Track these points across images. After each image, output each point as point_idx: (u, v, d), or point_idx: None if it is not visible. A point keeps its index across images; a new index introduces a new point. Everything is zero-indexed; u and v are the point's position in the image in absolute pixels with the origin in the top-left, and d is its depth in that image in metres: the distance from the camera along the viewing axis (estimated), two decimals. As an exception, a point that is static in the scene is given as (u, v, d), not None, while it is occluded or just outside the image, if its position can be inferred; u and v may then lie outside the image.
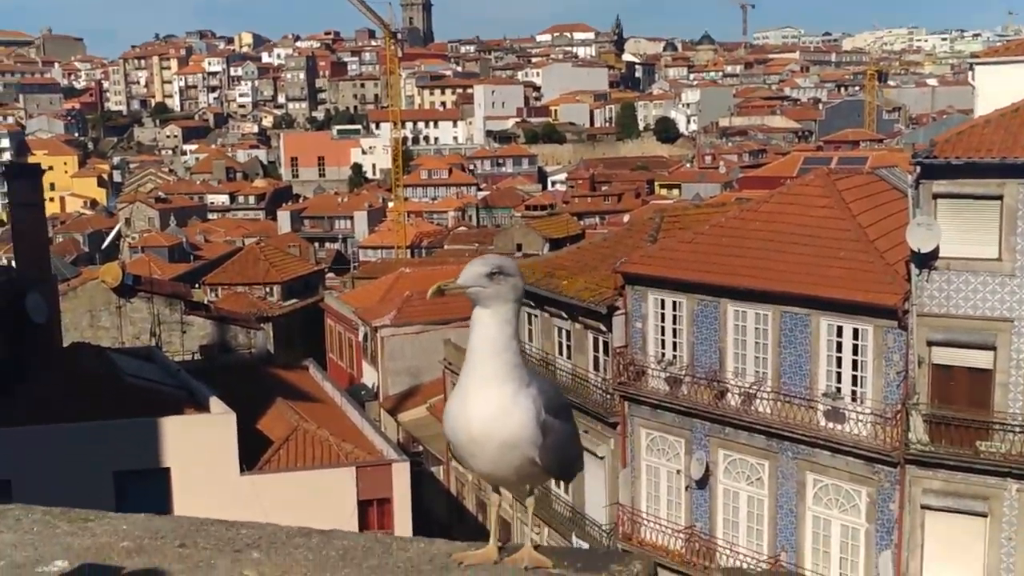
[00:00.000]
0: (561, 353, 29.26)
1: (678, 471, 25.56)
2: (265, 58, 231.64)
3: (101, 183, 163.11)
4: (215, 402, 26.47)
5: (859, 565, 22.33)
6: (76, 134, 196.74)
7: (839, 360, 22.44)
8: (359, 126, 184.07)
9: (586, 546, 26.43)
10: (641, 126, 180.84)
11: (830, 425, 22.49)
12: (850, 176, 28.70)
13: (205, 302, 52.49)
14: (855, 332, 22.11)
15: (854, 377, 22.27)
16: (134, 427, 24.69)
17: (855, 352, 22.19)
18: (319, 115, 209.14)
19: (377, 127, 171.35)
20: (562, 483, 3.65)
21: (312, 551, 3.00)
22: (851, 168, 40.29)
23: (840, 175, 28.45)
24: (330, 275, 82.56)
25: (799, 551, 23.21)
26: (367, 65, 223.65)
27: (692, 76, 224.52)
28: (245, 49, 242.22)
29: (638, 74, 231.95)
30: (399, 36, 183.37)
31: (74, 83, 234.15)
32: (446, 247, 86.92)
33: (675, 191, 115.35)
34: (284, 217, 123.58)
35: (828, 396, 22.48)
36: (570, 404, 3.25)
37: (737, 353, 24.19)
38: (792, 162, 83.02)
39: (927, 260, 21.01)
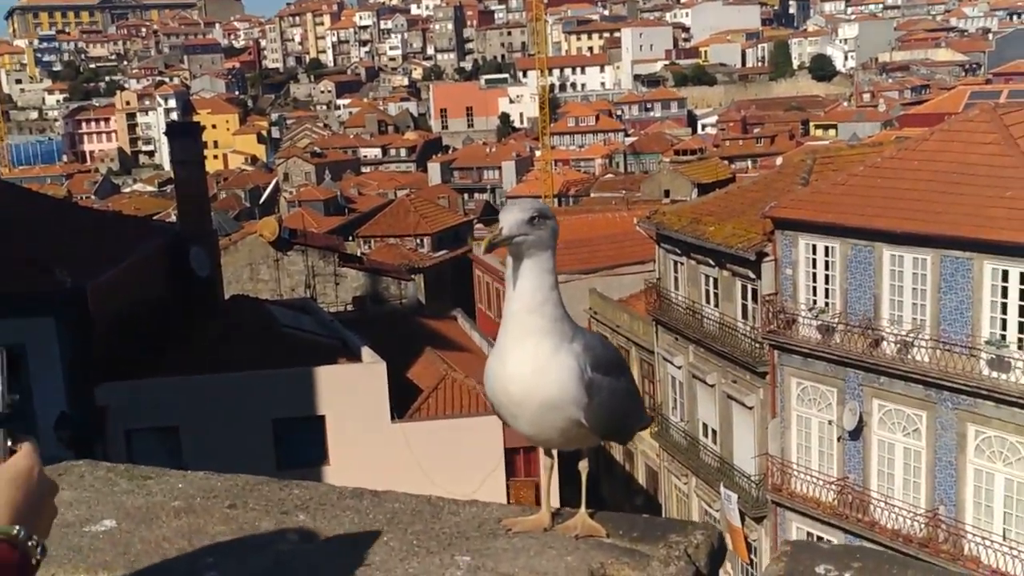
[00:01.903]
0: (708, 301, 28.74)
1: (830, 421, 24.85)
2: (414, 10, 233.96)
3: (260, 140, 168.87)
4: (367, 352, 27.22)
5: (1025, 521, 21.31)
6: (236, 92, 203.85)
7: (1004, 306, 21.25)
8: (506, 75, 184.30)
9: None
10: (795, 64, 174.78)
11: (994, 374, 21.37)
12: (1020, 110, 26.92)
13: (358, 254, 53.87)
14: (1022, 276, 20.87)
15: (1020, 324, 21.06)
16: (290, 376, 25.66)
17: (1022, 297, 20.96)
18: (467, 65, 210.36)
19: (524, 75, 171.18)
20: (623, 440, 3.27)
21: (360, 514, 2.94)
22: (1022, 102, 37.82)
23: (1009, 109, 26.74)
24: (479, 226, 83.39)
25: (959, 505, 22.28)
26: (514, 12, 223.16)
27: (850, 10, 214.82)
28: (395, 1, 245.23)
29: (792, 10, 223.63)
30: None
31: (233, 43, 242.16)
32: (593, 195, 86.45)
33: (831, 131, 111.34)
34: (434, 169, 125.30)
35: (992, 344, 21.34)
36: (623, 361, 2.99)
37: (893, 300, 23.21)
38: (957, 97, 78.90)
39: (1103, 199, 19.59)
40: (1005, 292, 21.20)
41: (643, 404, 3.10)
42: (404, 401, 27.44)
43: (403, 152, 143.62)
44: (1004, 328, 21.29)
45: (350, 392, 25.81)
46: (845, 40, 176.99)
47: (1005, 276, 21.14)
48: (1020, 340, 21.12)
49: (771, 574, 2.54)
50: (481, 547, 2.69)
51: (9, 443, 1.72)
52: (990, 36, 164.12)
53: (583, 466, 2.92)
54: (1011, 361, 21.06)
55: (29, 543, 1.66)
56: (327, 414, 25.88)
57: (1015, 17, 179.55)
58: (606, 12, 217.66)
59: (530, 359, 2.62)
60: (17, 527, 1.65)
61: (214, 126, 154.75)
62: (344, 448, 25.58)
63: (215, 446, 24.49)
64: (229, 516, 2.94)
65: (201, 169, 33.04)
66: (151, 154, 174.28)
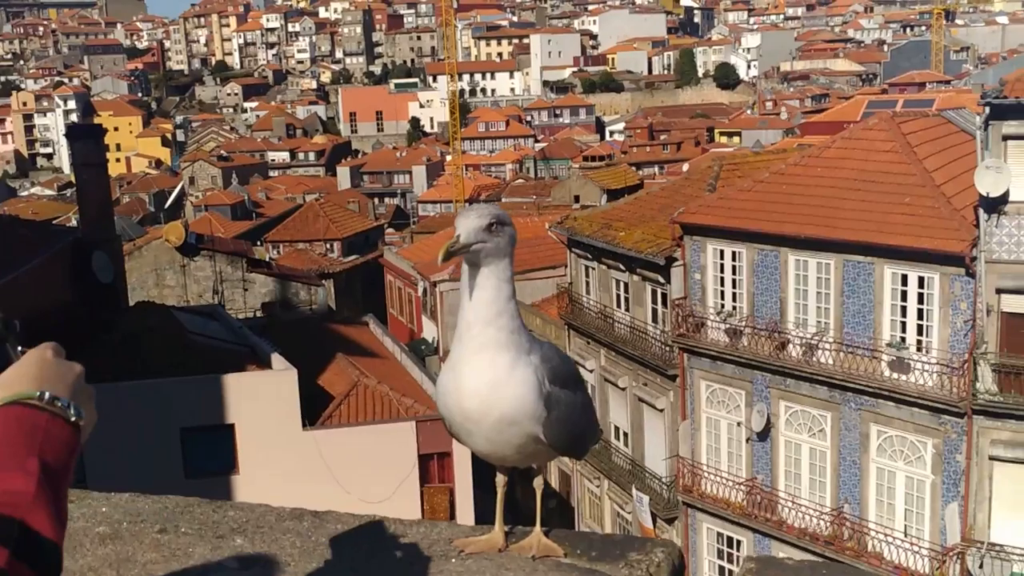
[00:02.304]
0: (619, 306, 29.06)
1: (739, 423, 25.34)
2: (322, 12, 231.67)
3: (165, 143, 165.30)
4: (277, 359, 26.81)
5: (924, 517, 22.00)
6: (140, 94, 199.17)
7: (904, 309, 21.95)
8: (416, 80, 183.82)
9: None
10: (700, 73, 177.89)
11: (895, 376, 22.06)
12: (916, 119, 27.88)
13: (267, 259, 53.08)
14: (920, 280, 21.59)
15: (919, 326, 21.78)
16: (198, 384, 25.11)
17: (920, 301, 21.69)
18: (376, 69, 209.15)
19: (434, 80, 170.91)
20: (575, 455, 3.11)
21: (301, 536, 2.79)
22: (917, 111, 39.16)
23: (905, 118, 27.65)
24: (389, 230, 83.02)
25: (863, 503, 22.92)
26: (423, 17, 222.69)
27: (752, 20, 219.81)
28: (302, 4, 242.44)
29: (697, 19, 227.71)
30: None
31: (136, 43, 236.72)
32: (504, 200, 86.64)
33: (735, 139, 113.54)
34: (344, 173, 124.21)
35: (893, 346, 22.03)
36: (579, 373, 2.91)
37: (798, 303, 23.79)
38: (856, 106, 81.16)
39: (996, 205, 20.37)
40: (904, 296, 21.90)
41: (597, 418, 3.04)
42: (315, 408, 27.09)
43: (312, 156, 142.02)
44: (904, 330, 21.98)
45: (260, 400, 25.38)
46: (748, 49, 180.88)
47: (904, 280, 21.84)
48: (919, 342, 21.84)
49: None
50: (434, 570, 2.58)
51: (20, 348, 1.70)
52: (885, 47, 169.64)
53: (538, 483, 2.84)
54: (910, 362, 21.76)
55: (58, 403, 1.57)
56: (236, 422, 25.38)
57: (908, 29, 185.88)
58: (515, 18, 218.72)
59: (487, 373, 2.52)
60: (41, 390, 1.57)
61: (116, 128, 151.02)
62: (254, 457, 25.15)
63: (120, 457, 23.82)
64: (160, 542, 2.78)
65: (103, 172, 32.17)
66: (50, 156, 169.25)
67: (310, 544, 2.75)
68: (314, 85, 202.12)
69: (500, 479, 2.84)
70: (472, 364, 2.55)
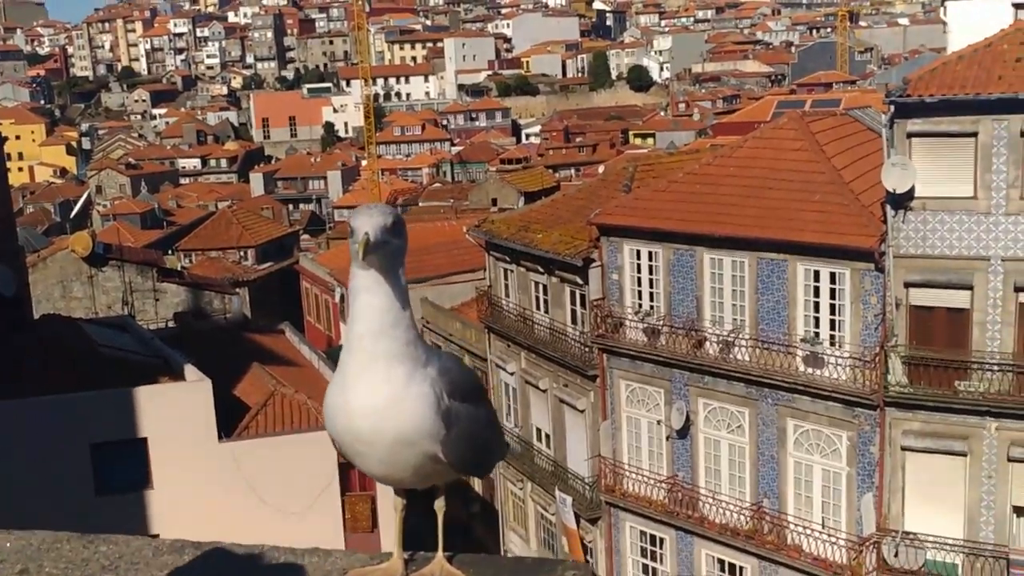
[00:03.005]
0: (538, 307, 29.06)
1: (659, 421, 25.51)
2: (231, 17, 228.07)
3: (70, 151, 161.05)
4: (190, 370, 26.18)
5: (841, 509, 22.40)
6: (42, 102, 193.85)
7: (816, 305, 22.32)
8: (329, 84, 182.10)
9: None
10: (614, 75, 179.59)
11: (809, 370, 22.42)
12: (824, 118, 28.44)
13: (178, 268, 51.98)
14: (832, 276, 21.98)
15: (832, 321, 22.17)
16: (108, 398, 24.39)
17: (832, 296, 22.08)
18: (288, 74, 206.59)
19: (348, 85, 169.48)
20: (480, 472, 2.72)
21: (179, 571, 2.57)
22: (825, 110, 40.05)
23: (814, 117, 28.19)
24: (305, 236, 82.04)
25: (781, 497, 23.24)
26: (335, 21, 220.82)
27: (664, 23, 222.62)
28: (211, 9, 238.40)
29: (609, 22, 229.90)
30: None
31: (37, 49, 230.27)
32: (421, 204, 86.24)
33: (650, 140, 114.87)
34: (257, 179, 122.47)
35: (807, 341, 22.39)
36: (481, 384, 2.73)
37: (714, 301, 24.04)
38: (766, 106, 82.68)
39: (903, 201, 20.84)
40: (817, 291, 22.27)
41: (502, 432, 2.84)
42: (231, 419, 26.52)
43: (224, 163, 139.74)
44: (817, 325, 22.36)
45: (173, 412, 24.73)
46: (660, 52, 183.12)
47: (816, 276, 22.21)
48: (832, 337, 22.22)
49: None
50: None
51: None
52: (793, 49, 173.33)
53: (439, 505, 2.65)
54: (824, 357, 22.13)
55: None
56: (149, 436, 24.70)
57: (815, 32, 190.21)
58: (428, 22, 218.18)
59: (381, 389, 2.33)
60: None
61: (18, 137, 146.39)
62: (169, 471, 24.50)
63: (28, 475, 23.04)
64: None
65: (3, 181, 31.08)
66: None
67: None
68: (225, 91, 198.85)
69: (397, 502, 2.65)
70: (363, 380, 2.35)
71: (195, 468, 24.42)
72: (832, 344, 22.22)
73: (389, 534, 26.66)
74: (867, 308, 21.54)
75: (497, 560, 2.63)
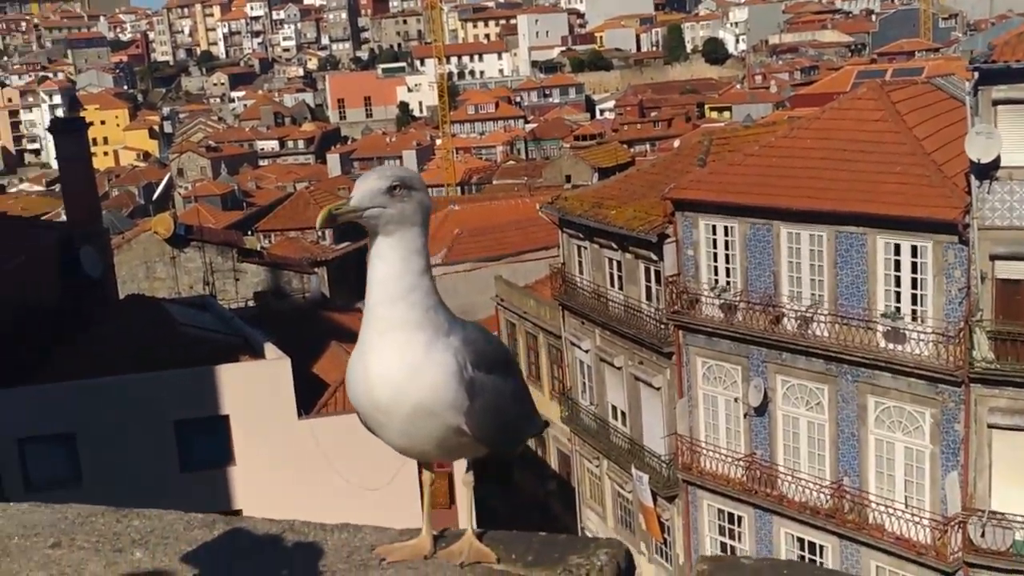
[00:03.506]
0: (612, 284, 28.88)
1: (736, 399, 25.21)
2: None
3: (152, 135, 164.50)
4: (270, 348, 26.62)
5: (924, 488, 21.91)
6: (125, 87, 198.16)
7: (898, 279, 21.79)
8: (404, 64, 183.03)
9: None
10: (689, 48, 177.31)
11: (890, 346, 21.92)
12: (905, 87, 27.68)
13: (258, 249, 52.82)
14: (914, 249, 21.42)
15: (914, 296, 21.63)
16: (191, 376, 24.94)
17: (914, 270, 21.52)
18: (363, 55, 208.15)
19: (422, 64, 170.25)
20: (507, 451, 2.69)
21: (209, 547, 2.57)
22: (906, 79, 38.96)
23: (894, 87, 27.45)
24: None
25: (862, 475, 22.82)
26: (409, 1, 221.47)
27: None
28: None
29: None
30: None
31: (120, 36, 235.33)
32: (495, 182, 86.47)
33: (726, 113, 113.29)
34: (334, 160, 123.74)
35: (887, 316, 21.89)
36: (510, 355, 2.63)
37: (792, 276, 23.63)
38: (845, 77, 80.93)
39: (987, 171, 20.19)
40: (898, 265, 21.74)
41: (534, 407, 2.76)
42: (311, 397, 26.93)
43: (301, 144, 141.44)
44: (898, 300, 21.84)
45: (254, 390, 25.20)
46: (736, 23, 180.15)
47: (897, 250, 21.67)
48: (913, 312, 21.69)
49: None
50: None
51: None
52: (873, 17, 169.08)
53: (467, 480, 2.59)
54: (905, 332, 21.62)
55: None
56: (231, 414, 25.22)
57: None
58: (502, 0, 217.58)
59: (398, 358, 2.26)
60: None
61: (103, 122, 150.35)
62: (250, 448, 25.00)
63: (115, 452, 23.72)
64: (51, 558, 2.55)
65: (87, 165, 31.89)
66: (37, 152, 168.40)
67: (216, 556, 2.53)
68: (301, 73, 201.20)
69: (426, 476, 2.60)
70: (382, 348, 2.29)
71: (275, 445, 24.86)
72: (914, 319, 21.69)
73: (465, 510, 26.89)
74: (950, 282, 20.97)
75: (528, 538, 2.56)
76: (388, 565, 2.45)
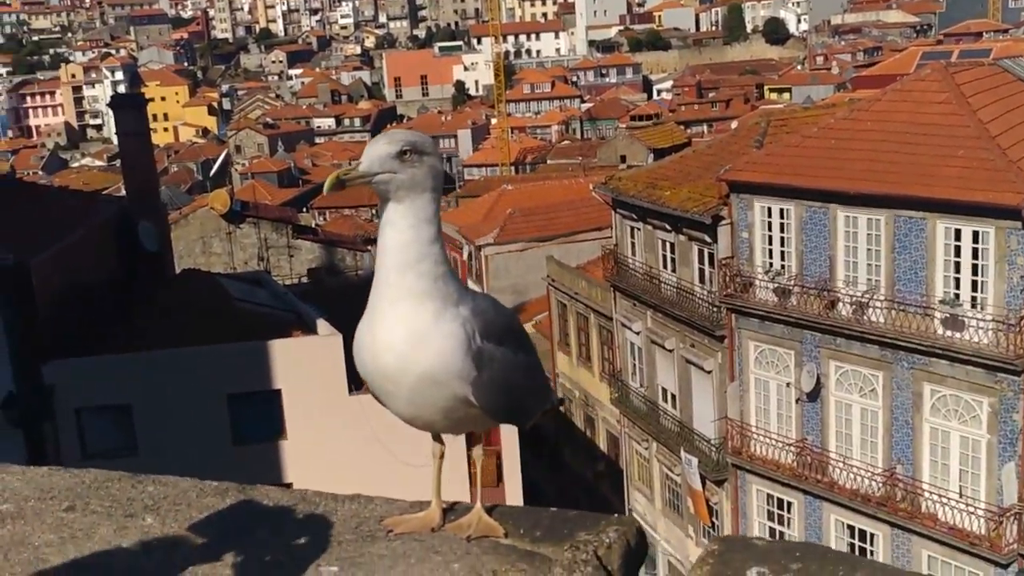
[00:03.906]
0: (665, 266, 28.66)
1: (788, 384, 24.92)
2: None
3: (211, 111, 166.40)
4: (323, 324, 26.80)
5: (980, 478, 21.50)
6: (185, 64, 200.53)
7: (957, 265, 21.33)
8: (460, 43, 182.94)
9: (548, 510, 26.17)
10: (749, 28, 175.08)
11: (948, 333, 21.49)
12: (970, 69, 26.98)
13: (313, 226, 53.25)
14: (975, 235, 20.93)
15: (974, 282, 21.16)
16: (245, 350, 25.20)
17: (975, 256, 21.04)
18: (420, 33, 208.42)
19: (479, 42, 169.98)
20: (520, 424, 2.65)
21: (220, 515, 2.59)
22: (972, 61, 37.96)
23: (959, 68, 26.79)
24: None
25: (916, 464, 22.46)
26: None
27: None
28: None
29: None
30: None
31: (181, 13, 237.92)
32: (549, 162, 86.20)
33: (785, 95, 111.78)
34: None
35: (946, 303, 21.45)
36: (522, 328, 2.61)
37: (848, 261, 23.24)
38: (909, 58, 79.18)
39: (1054, 156, 19.65)
40: (958, 251, 21.27)
41: (547, 381, 2.72)
42: (361, 373, 27.08)
43: (357, 122, 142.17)
44: (957, 287, 21.39)
45: (306, 365, 25.40)
46: (797, 3, 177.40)
47: (958, 235, 21.21)
48: (973, 299, 21.24)
49: None
50: (354, 553, 2.36)
51: None
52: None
53: (477, 453, 2.57)
54: (964, 320, 21.18)
55: None
56: (283, 388, 25.47)
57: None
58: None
59: (406, 325, 2.25)
60: None
61: (163, 98, 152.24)
62: (302, 422, 25.24)
63: (169, 423, 24.08)
64: (63, 521, 2.58)
65: (147, 141, 32.27)
66: (99, 128, 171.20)
67: (226, 523, 2.54)
68: (358, 50, 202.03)
69: (436, 448, 2.57)
70: (389, 315, 2.28)
71: (326, 420, 25.07)
72: (973, 306, 21.23)
73: (514, 488, 26.93)
74: (1012, 269, 20.47)
75: (538, 513, 2.54)
76: (395, 536, 2.45)
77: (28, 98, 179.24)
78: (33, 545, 2.47)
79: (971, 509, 21.34)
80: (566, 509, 2.56)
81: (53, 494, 2.76)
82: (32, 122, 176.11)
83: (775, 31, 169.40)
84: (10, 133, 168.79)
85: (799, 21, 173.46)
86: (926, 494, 22.20)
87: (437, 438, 2.55)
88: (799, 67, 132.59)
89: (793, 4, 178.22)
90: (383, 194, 2.30)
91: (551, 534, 2.39)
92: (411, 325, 2.26)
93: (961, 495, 21.71)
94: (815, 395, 24.15)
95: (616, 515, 2.49)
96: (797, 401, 24.72)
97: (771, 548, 2.25)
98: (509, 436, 26.65)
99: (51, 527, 2.56)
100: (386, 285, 2.30)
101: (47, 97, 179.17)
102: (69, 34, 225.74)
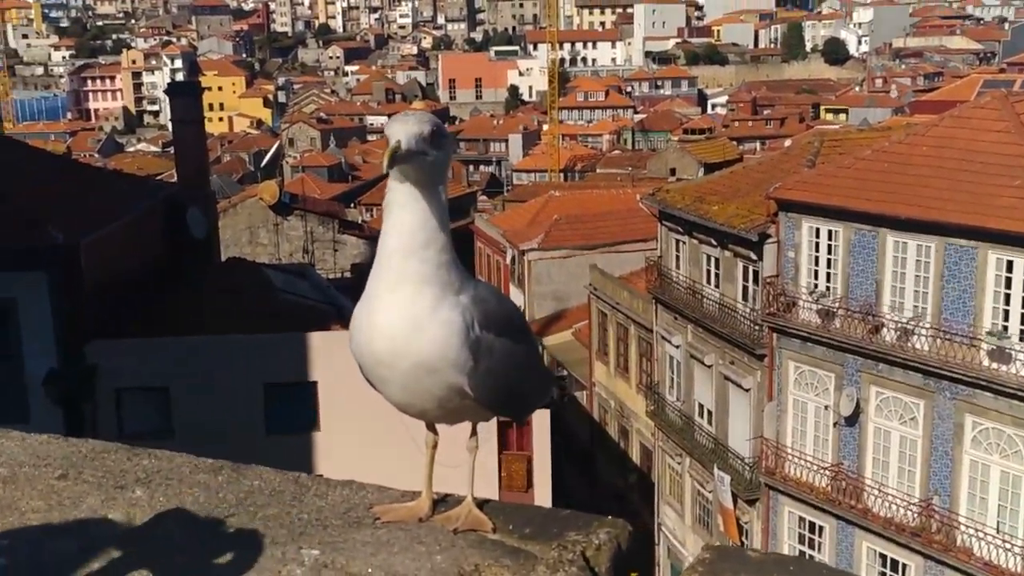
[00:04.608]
0: (709, 281, 28.44)
1: (826, 407, 24.60)
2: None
3: (266, 103, 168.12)
4: (362, 319, 26.88)
5: (1019, 514, 21.05)
6: (244, 55, 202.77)
7: (1007, 297, 20.92)
8: (517, 47, 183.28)
9: (547, 508, 25.95)
10: (808, 47, 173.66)
11: (994, 365, 21.08)
12: (1032, 99, 26.50)
13: (359, 222, 53.55)
14: (1027, 267, 20.52)
15: (1023, 315, 20.74)
16: (283, 341, 25.34)
17: (1026, 289, 20.63)
18: (477, 36, 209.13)
19: (535, 48, 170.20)
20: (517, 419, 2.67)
21: (209, 491, 2.57)
22: (1034, 91, 37.35)
23: (1020, 97, 26.32)
24: (482, 197, 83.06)
25: (953, 496, 22.05)
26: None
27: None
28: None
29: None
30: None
31: (242, 5, 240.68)
32: (599, 171, 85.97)
33: (842, 116, 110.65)
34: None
35: (993, 335, 21.04)
36: (524, 320, 2.56)
37: (895, 286, 22.89)
38: (970, 85, 78.21)
39: (1114, 191, 19.23)
40: (1009, 283, 20.88)
41: (547, 375, 2.69)
42: (398, 370, 27.14)
43: (420, 110, 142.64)
44: (1006, 319, 20.98)
45: (343, 358, 25.28)
46: (859, 24, 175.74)
47: (1010, 267, 20.81)
48: (1022, 331, 20.82)
49: None
50: (337, 539, 2.35)
51: None
52: (1006, 25, 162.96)
53: (471, 445, 2.51)
54: (1012, 352, 20.77)
55: None
56: (319, 380, 25.59)
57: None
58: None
59: (404, 311, 2.21)
60: None
61: (220, 88, 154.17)
62: (335, 415, 25.32)
63: (204, 409, 24.27)
64: (54, 489, 2.59)
65: (200, 129, 32.66)
66: (156, 114, 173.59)
67: (215, 500, 2.53)
68: (415, 50, 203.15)
69: (429, 438, 2.54)
70: (389, 300, 2.24)
71: (360, 414, 24.99)
72: (1022, 339, 20.81)
73: (543, 493, 26.84)
74: (1064, 304, 20.05)
75: (531, 510, 2.50)
76: (382, 524, 2.43)
77: (89, 82, 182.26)
78: (20, 510, 2.48)
79: (1008, 545, 20.91)
80: (559, 508, 2.52)
81: (48, 461, 2.77)
82: (91, 105, 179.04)
83: (835, 51, 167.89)
84: (69, 115, 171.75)
85: (860, 42, 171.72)
86: (962, 527, 21.79)
87: (431, 427, 2.52)
88: (857, 88, 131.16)
89: (855, 25, 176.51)
90: (406, 174, 2.24)
91: (540, 532, 2.35)
92: (409, 311, 2.23)
93: (998, 530, 21.28)
94: (853, 420, 23.81)
95: (609, 517, 2.44)
96: (835, 424, 24.40)
97: (764, 560, 2.20)
98: (541, 441, 26.59)
99: (41, 494, 2.57)
100: (388, 269, 2.26)
101: (107, 82, 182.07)
102: (132, 21, 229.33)
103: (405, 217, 2.25)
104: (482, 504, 2.48)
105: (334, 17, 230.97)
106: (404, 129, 2.21)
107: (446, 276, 2.27)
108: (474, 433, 2.51)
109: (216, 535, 2.35)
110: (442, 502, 2.51)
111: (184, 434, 24.00)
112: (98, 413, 24.21)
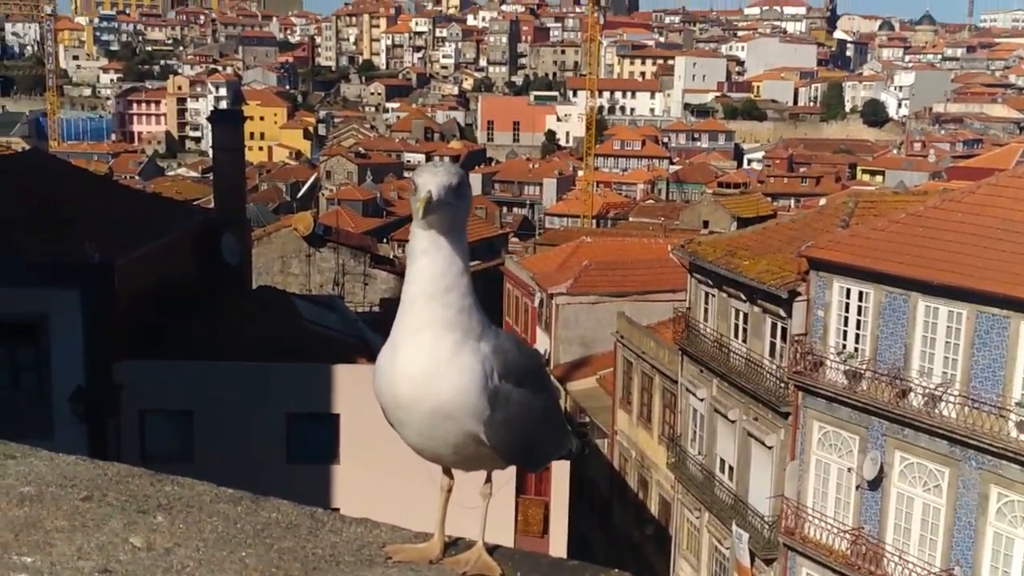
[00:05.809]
0: (736, 336, 28.33)
1: (849, 469, 24.34)
2: (470, 20, 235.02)
3: (307, 135, 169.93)
4: (387, 354, 26.94)
5: (1042, 590, 20.69)
6: (287, 87, 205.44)
7: (1039, 368, 20.69)
8: (556, 93, 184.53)
9: (564, 558, 25.69)
10: (848, 107, 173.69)
11: (1022, 437, 20.82)
12: (1071, 171, 26.40)
13: (391, 257, 53.86)
14: (1060, 340, 20.32)
15: (1054, 388, 20.51)
16: (308, 371, 25.44)
17: (1058, 361, 20.41)
18: (518, 80, 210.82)
19: (574, 95, 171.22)
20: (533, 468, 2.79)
21: (227, 521, 2.62)
22: (1074, 163, 37.15)
23: (1059, 169, 26.21)
24: (514, 239, 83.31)
25: (975, 568, 21.69)
26: (569, 32, 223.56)
27: (908, 58, 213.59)
28: (452, 11, 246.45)
29: (849, 53, 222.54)
30: (603, 3, 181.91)
31: (289, 37, 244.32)
32: (631, 219, 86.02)
33: (878, 177, 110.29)
34: (475, 179, 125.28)
35: (1023, 405, 20.81)
36: (544, 372, 2.62)
37: (924, 352, 22.71)
38: (1009, 153, 77.89)
39: None
40: (1041, 354, 20.65)
41: (566, 428, 2.72)
42: (420, 407, 27.13)
43: (447, 160, 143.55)
44: (1037, 391, 20.73)
45: (366, 392, 25.32)
46: (900, 87, 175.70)
47: (1042, 338, 20.60)
48: (1052, 405, 20.56)
49: None
50: (349, 574, 2.38)
51: None
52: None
53: (485, 492, 2.54)
54: (1041, 425, 20.50)
55: None
56: (342, 413, 25.64)
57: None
58: (662, 39, 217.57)
59: (424, 356, 2.27)
60: None
61: (262, 118, 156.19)
62: (355, 448, 25.31)
63: (227, 435, 24.36)
64: (78, 510, 2.64)
65: (240, 157, 33.09)
66: (198, 140, 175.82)
67: (232, 531, 2.58)
68: (455, 91, 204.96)
69: (444, 481, 2.57)
70: (411, 344, 2.29)
71: (380, 449, 24.89)
72: (1052, 412, 20.55)
73: (559, 539, 26.63)
74: (1097, 379, 19.81)
75: (538, 558, 2.52)
76: (393, 564, 2.46)
77: (134, 105, 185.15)
78: (44, 529, 2.53)
79: (1029, 622, 20.52)
80: (568, 559, 2.55)
81: (75, 482, 2.82)
82: (135, 128, 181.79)
83: (874, 112, 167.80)
84: (113, 136, 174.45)
85: (900, 105, 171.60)
86: (983, 601, 21.42)
87: (447, 472, 2.56)
88: (895, 151, 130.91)
89: (895, 88, 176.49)
90: (432, 223, 2.30)
91: None
92: (431, 356, 2.28)
93: (1020, 607, 20.90)
94: (876, 484, 23.54)
95: (616, 570, 2.46)
96: (857, 488, 24.12)
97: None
98: (559, 487, 26.43)
99: (64, 514, 2.62)
100: (411, 314, 2.31)
101: (152, 106, 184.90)
102: (180, 48, 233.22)
103: (428, 263, 2.31)
104: (492, 550, 2.51)
105: (378, 54, 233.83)
106: (435, 180, 2.28)
107: (467, 321, 2.32)
108: (488, 480, 2.54)
109: (233, 565, 2.39)
110: (453, 545, 2.54)
111: (204, 458, 24.08)
112: (121, 433, 24.35)
